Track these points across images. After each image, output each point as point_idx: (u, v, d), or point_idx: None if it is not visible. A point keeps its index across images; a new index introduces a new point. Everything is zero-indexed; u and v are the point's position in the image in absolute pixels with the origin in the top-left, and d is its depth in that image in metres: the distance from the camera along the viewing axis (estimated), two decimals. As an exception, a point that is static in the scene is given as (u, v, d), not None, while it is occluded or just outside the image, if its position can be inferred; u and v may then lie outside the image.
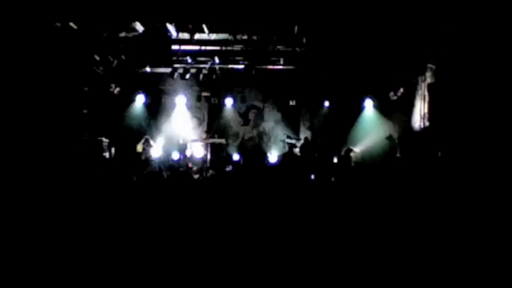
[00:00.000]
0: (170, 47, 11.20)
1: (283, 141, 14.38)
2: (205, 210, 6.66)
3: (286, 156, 13.36)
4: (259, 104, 15.77)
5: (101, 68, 13.05)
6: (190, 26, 10.62)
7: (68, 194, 7.30)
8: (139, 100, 14.76)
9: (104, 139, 12.49)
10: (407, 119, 14.05)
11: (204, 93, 15.17)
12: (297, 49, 11.67)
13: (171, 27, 10.65)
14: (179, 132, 15.13)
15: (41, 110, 9.68)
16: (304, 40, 10.93)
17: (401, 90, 13.03)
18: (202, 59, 13.06)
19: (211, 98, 15.35)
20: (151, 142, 13.92)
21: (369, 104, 14.75)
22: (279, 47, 11.89)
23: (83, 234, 5.36)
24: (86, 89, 12.54)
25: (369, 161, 13.44)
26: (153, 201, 7.14)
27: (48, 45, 10.04)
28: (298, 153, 13.75)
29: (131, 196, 7.40)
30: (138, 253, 4.81)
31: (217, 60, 12.71)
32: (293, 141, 14.27)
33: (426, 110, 11.89)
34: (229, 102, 15.36)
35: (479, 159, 8.71)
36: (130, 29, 10.79)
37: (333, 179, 11.55)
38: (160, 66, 13.30)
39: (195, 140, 14.62)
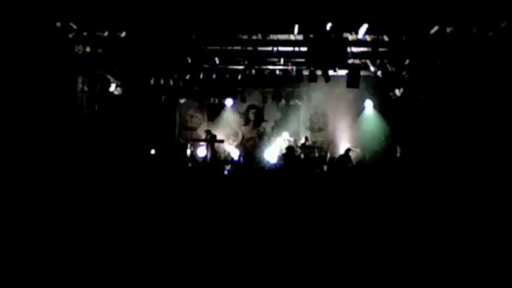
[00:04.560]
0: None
1: (284, 141, 14.39)
2: (205, 209, 6.67)
3: (287, 156, 13.35)
4: (259, 104, 15.78)
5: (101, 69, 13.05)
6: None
7: (68, 193, 7.31)
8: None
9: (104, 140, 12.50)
10: (408, 119, 14.06)
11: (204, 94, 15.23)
12: (298, 49, 11.67)
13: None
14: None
15: (41, 111, 9.69)
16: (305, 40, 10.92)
17: (401, 90, 13.05)
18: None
19: (211, 98, 15.41)
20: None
21: (368, 104, 14.79)
22: (279, 47, 11.88)
23: (84, 232, 5.37)
24: (86, 89, 12.54)
25: (369, 160, 13.45)
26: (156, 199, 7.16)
27: (48, 45, 10.05)
28: (298, 153, 13.76)
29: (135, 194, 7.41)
30: (139, 252, 4.82)
31: (217, 60, 12.71)
32: (293, 141, 14.28)
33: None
34: (229, 102, 15.40)
35: (476, 159, 8.74)
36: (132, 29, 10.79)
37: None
38: (160, 67, 13.28)
39: (196, 140, 14.65)
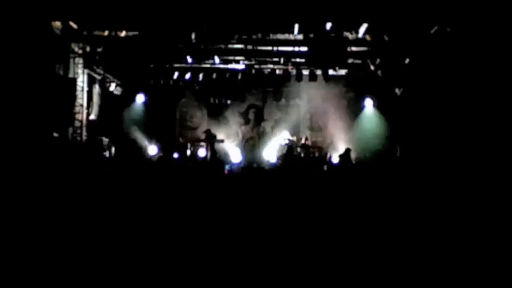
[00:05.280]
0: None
1: (284, 140, 14.38)
2: (206, 209, 6.67)
3: (286, 156, 13.35)
4: (259, 104, 15.78)
5: (101, 68, 13.06)
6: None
7: (68, 193, 7.31)
8: (139, 100, 14.81)
9: (104, 138, 12.50)
10: (409, 118, 14.04)
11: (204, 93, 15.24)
12: (298, 49, 11.68)
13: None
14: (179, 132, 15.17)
15: (36, 110, 9.68)
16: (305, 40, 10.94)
17: (401, 89, 13.07)
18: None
19: (211, 98, 15.40)
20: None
21: (369, 103, 14.80)
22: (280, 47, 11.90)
23: (82, 232, 5.38)
24: (87, 89, 12.55)
25: (369, 159, 13.44)
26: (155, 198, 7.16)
27: (46, 44, 10.05)
28: (298, 152, 13.76)
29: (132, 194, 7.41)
30: (138, 252, 4.82)
31: (217, 59, 12.69)
32: (293, 140, 14.28)
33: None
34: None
35: (476, 160, 8.75)
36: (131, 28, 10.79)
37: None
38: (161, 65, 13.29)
39: (196, 140, 14.64)
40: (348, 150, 13.20)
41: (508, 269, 4.32)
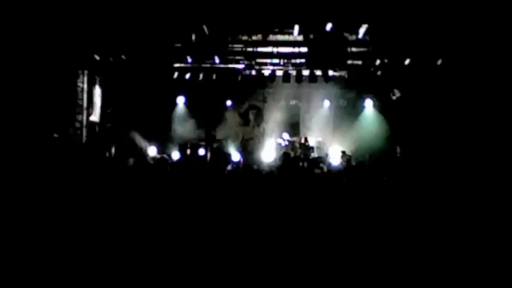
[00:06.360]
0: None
1: (283, 141, 14.38)
2: (206, 210, 6.67)
3: (286, 157, 13.33)
4: (259, 104, 15.75)
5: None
6: None
7: (68, 193, 7.30)
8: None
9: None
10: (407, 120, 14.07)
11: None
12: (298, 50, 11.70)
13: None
14: (179, 132, 15.14)
15: (37, 109, 9.69)
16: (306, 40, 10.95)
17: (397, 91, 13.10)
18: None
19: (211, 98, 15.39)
20: None
21: (369, 104, 14.81)
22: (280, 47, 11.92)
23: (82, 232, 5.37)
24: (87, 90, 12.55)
25: (369, 160, 13.43)
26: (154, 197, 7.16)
27: (48, 45, 10.05)
28: (298, 154, 13.76)
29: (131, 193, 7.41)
30: (138, 252, 4.82)
31: (217, 59, 12.69)
32: (292, 142, 14.28)
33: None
34: (229, 102, 15.32)
35: (477, 160, 8.76)
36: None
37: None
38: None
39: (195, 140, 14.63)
40: (343, 153, 13.21)
41: (508, 269, 4.32)
